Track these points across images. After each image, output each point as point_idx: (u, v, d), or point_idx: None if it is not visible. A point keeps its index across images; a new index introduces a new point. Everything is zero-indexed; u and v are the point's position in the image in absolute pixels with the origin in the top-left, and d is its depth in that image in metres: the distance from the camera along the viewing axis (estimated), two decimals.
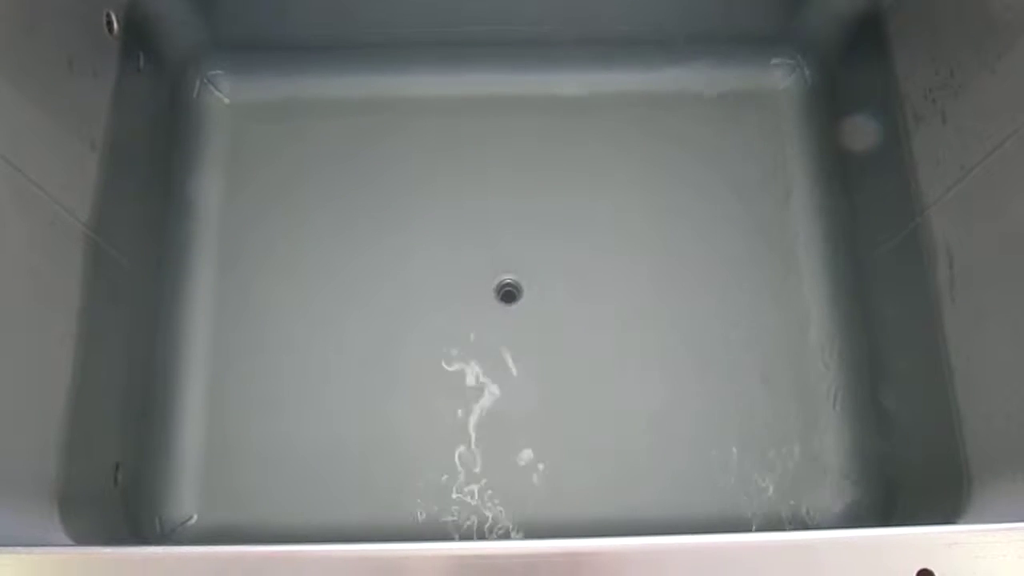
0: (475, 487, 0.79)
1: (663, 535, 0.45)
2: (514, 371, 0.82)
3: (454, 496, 0.78)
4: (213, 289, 0.84)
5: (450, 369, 0.82)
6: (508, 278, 0.85)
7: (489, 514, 0.78)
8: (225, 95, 0.90)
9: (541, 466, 0.79)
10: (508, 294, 0.85)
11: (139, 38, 0.80)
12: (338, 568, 0.44)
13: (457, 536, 0.77)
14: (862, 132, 0.83)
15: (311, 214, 0.86)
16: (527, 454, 0.80)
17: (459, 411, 0.81)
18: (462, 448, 0.80)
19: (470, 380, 0.82)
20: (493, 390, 0.81)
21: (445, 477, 0.79)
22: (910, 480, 0.75)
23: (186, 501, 0.78)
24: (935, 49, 0.71)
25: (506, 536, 0.77)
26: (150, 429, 0.79)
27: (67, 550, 0.51)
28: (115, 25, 0.76)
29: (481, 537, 0.77)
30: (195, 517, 0.78)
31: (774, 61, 0.91)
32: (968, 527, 0.46)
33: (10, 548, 0.45)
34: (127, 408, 0.76)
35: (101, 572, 0.44)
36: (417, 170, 0.88)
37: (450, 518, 0.78)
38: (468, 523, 0.78)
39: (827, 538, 0.45)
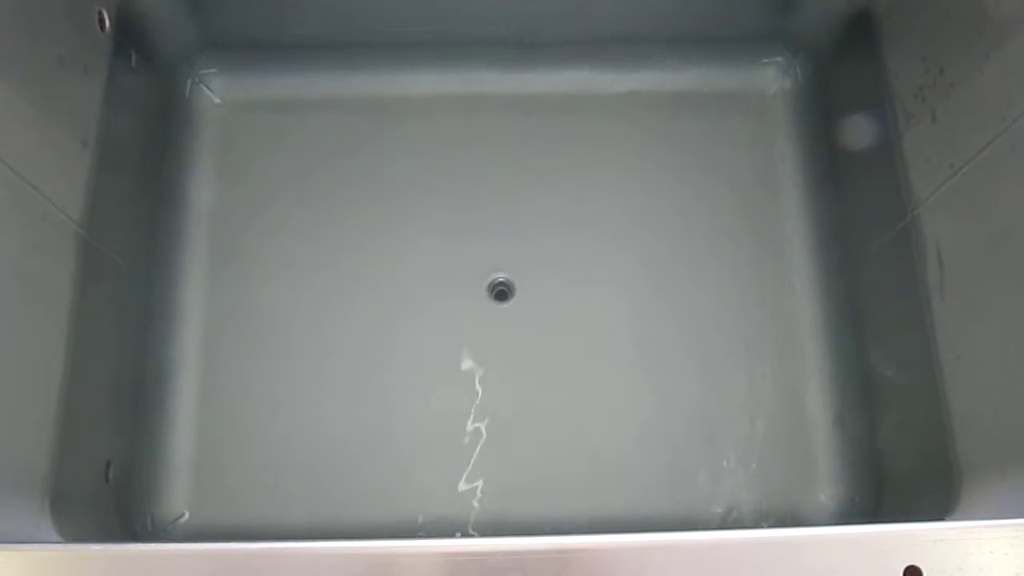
0: (470, 485, 0.79)
1: (651, 532, 0.45)
2: (507, 369, 0.82)
3: (449, 494, 0.78)
4: (205, 287, 0.84)
5: (443, 368, 0.82)
6: (501, 277, 0.85)
7: (484, 511, 0.78)
8: (217, 94, 0.90)
9: (535, 463, 0.80)
10: (501, 293, 0.85)
11: (131, 36, 0.80)
12: (328, 565, 0.45)
13: (457, 533, 0.77)
14: (853, 131, 0.83)
15: (302, 213, 0.86)
16: (521, 451, 0.80)
17: (453, 409, 0.81)
18: (456, 446, 0.80)
19: (463, 379, 0.82)
20: (486, 388, 0.81)
21: (439, 475, 0.79)
22: (901, 476, 0.75)
23: (178, 499, 0.78)
24: (925, 48, 0.72)
25: (500, 533, 0.77)
26: (142, 427, 0.79)
27: (57, 547, 0.51)
28: (107, 23, 0.76)
29: (475, 534, 0.77)
30: (186, 515, 0.78)
31: (765, 60, 0.91)
32: (955, 524, 0.46)
33: (1, 545, 0.45)
34: (119, 405, 0.76)
35: (91, 569, 0.44)
36: (410, 169, 0.88)
37: (445, 516, 0.78)
38: (463, 520, 0.78)
39: (816, 535, 0.45)
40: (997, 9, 0.63)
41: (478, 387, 0.81)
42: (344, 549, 0.45)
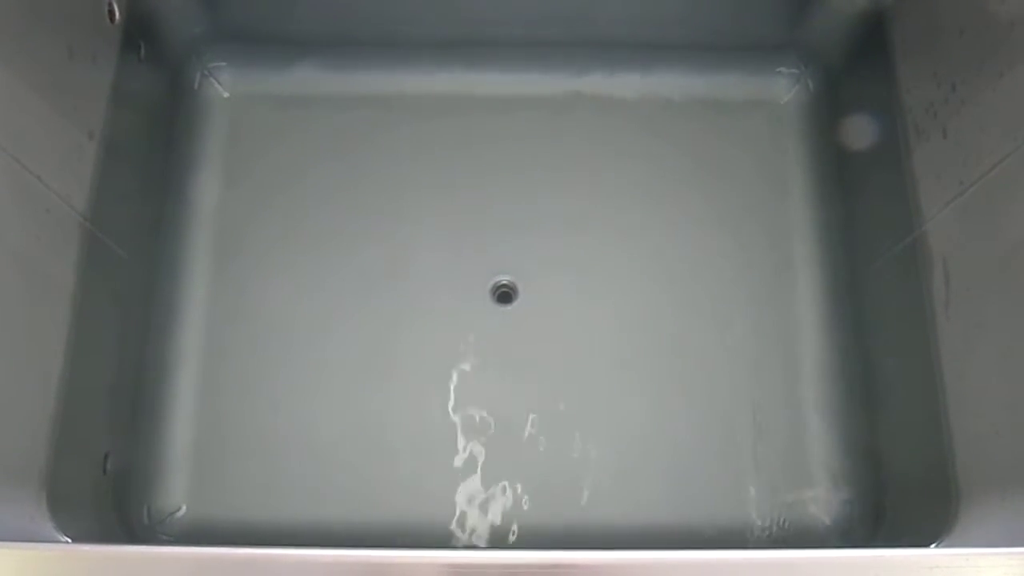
0: (470, 489, 0.79)
1: (646, 548, 0.45)
2: (510, 372, 0.82)
3: (448, 497, 0.78)
4: (209, 281, 0.84)
5: (445, 370, 0.82)
6: (504, 279, 0.85)
7: (483, 516, 0.78)
8: (226, 88, 0.90)
9: (535, 468, 0.79)
10: (504, 295, 0.85)
11: (141, 28, 0.80)
12: (321, 573, 0.45)
13: (451, 538, 0.77)
14: (863, 143, 0.83)
15: (307, 210, 0.86)
16: (522, 456, 0.80)
17: (454, 412, 0.81)
18: (457, 449, 0.80)
19: (465, 381, 0.82)
20: (488, 391, 0.81)
21: (439, 479, 0.79)
22: (900, 495, 0.75)
23: (175, 492, 0.78)
24: (938, 64, 0.71)
25: (498, 539, 0.77)
26: (141, 420, 0.79)
27: (49, 547, 0.51)
28: (117, 14, 0.75)
29: (473, 541, 0.77)
30: (184, 508, 0.78)
31: (778, 70, 0.90)
32: (951, 550, 0.46)
33: None
34: (118, 397, 0.76)
35: (83, 569, 0.44)
36: (416, 168, 0.88)
37: (442, 521, 0.78)
38: (461, 526, 0.78)
39: (808, 557, 0.45)
40: (1011, 28, 0.62)
41: (480, 389, 0.81)
42: (338, 557, 0.45)
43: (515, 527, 0.78)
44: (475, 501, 0.78)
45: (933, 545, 0.63)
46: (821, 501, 0.79)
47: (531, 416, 0.81)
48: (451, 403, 0.81)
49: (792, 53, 0.90)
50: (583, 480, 0.79)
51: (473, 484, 0.79)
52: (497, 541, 0.77)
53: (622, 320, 0.84)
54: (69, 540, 0.61)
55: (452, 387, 0.81)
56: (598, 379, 0.82)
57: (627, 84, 0.91)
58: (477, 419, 0.80)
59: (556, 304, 0.84)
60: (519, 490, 0.79)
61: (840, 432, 0.81)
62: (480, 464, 0.79)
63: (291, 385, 0.81)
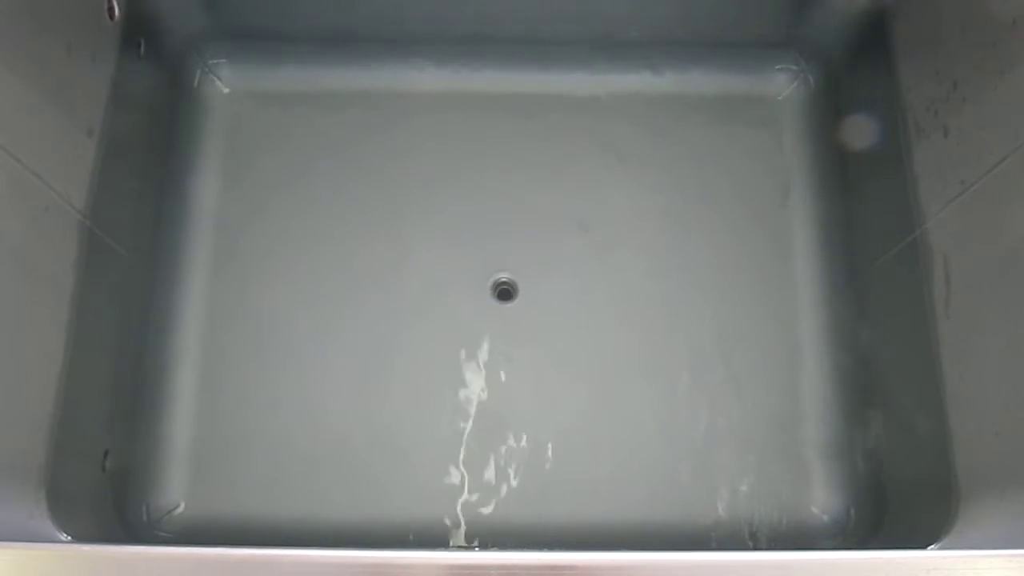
0: (470, 486, 0.79)
1: (646, 547, 0.45)
2: (510, 369, 0.82)
3: (448, 495, 0.78)
4: (208, 279, 0.84)
5: (446, 367, 0.82)
6: (504, 276, 0.84)
7: (483, 515, 0.78)
8: (226, 85, 0.90)
9: (536, 466, 0.79)
10: (504, 292, 0.85)
11: (140, 24, 0.79)
12: (319, 573, 0.45)
13: (450, 535, 0.77)
14: (864, 141, 0.83)
15: (307, 208, 0.86)
16: (523, 454, 0.80)
17: (455, 410, 0.81)
18: (457, 447, 0.80)
19: (466, 378, 0.82)
20: (489, 389, 0.81)
21: (439, 476, 0.79)
22: (899, 494, 0.75)
23: (174, 490, 0.78)
24: (939, 62, 0.71)
25: (498, 537, 0.77)
26: (140, 417, 0.79)
27: (51, 546, 0.51)
28: (116, 11, 0.75)
29: (473, 538, 0.77)
30: (182, 506, 0.78)
31: (778, 67, 0.90)
32: (950, 552, 0.46)
33: None
34: (118, 395, 0.76)
35: (80, 569, 0.44)
36: (416, 166, 0.87)
37: (443, 518, 0.78)
38: (461, 523, 0.78)
39: (808, 558, 0.45)
40: (1013, 26, 0.62)
41: (480, 387, 0.81)
42: (337, 557, 0.45)
43: (516, 526, 0.78)
44: (476, 500, 0.78)
45: (932, 545, 0.63)
46: (820, 501, 0.79)
47: (532, 414, 0.81)
48: (452, 401, 0.81)
49: (792, 50, 0.89)
50: (584, 477, 0.79)
51: (473, 483, 0.79)
52: (498, 540, 0.77)
53: (621, 318, 0.84)
54: (68, 538, 0.61)
55: (452, 385, 0.81)
56: (598, 377, 0.82)
57: (626, 81, 0.90)
58: (478, 417, 0.80)
59: (556, 302, 0.84)
60: (520, 489, 0.79)
61: (840, 432, 0.81)
62: (481, 463, 0.79)
63: (290, 383, 0.81)
